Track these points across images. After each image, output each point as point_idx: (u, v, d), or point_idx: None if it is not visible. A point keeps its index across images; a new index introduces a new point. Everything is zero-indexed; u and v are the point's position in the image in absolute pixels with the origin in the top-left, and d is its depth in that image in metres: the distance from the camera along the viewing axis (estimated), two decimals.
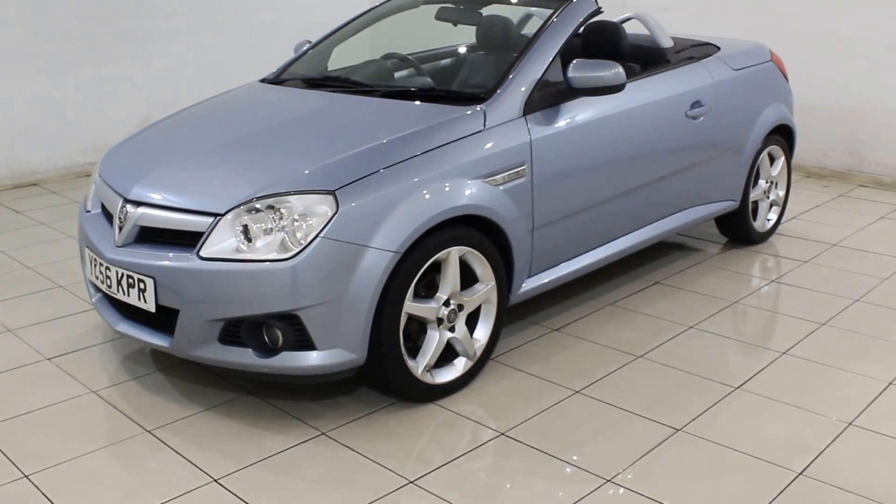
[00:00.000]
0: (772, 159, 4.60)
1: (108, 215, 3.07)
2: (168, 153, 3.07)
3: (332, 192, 2.62)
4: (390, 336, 2.71)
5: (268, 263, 2.55)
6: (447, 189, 2.80)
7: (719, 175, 4.15)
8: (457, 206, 2.80)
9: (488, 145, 2.96)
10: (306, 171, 2.71)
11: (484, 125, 2.99)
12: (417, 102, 3.19)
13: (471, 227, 2.88)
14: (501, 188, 2.97)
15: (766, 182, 4.58)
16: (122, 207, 2.86)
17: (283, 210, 2.61)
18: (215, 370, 2.98)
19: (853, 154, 6.02)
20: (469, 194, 2.85)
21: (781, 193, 4.76)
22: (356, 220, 2.61)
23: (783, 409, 2.90)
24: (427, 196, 2.75)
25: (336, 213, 2.59)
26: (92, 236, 2.99)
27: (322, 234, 2.56)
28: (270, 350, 2.66)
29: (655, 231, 3.83)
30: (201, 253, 2.63)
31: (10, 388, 3.03)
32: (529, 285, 3.23)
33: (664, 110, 3.70)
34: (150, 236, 2.81)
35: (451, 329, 2.91)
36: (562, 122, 3.20)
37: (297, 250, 2.55)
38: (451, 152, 2.87)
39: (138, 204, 2.82)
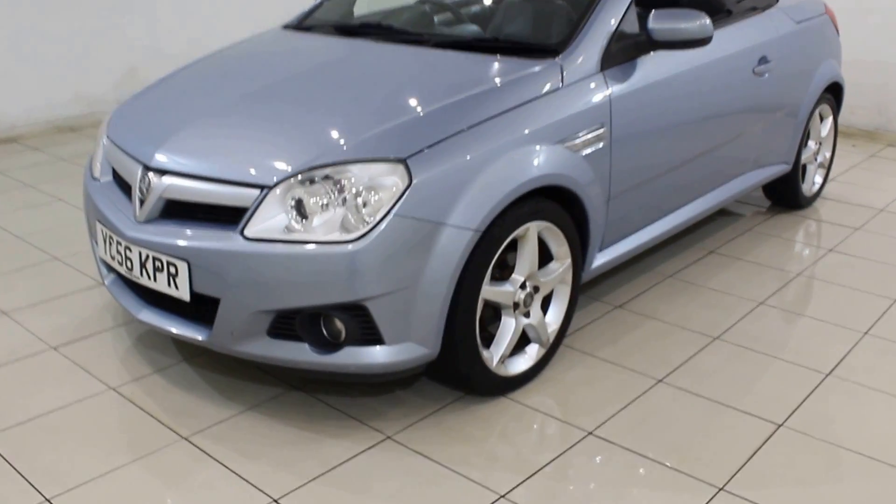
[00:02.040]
0: (820, 119, 4.32)
1: (122, 184, 2.65)
2: (193, 111, 2.63)
3: (403, 161, 2.23)
4: (466, 326, 2.36)
5: (329, 246, 2.16)
6: (529, 156, 2.43)
7: (776, 136, 3.84)
8: (540, 175, 2.44)
9: (567, 105, 2.58)
10: (368, 135, 2.31)
11: (562, 81, 2.62)
12: (480, 55, 2.79)
13: (549, 200, 2.53)
14: (581, 154, 2.61)
15: (816, 143, 4.30)
16: (142, 177, 2.45)
17: (344, 182, 2.23)
18: (255, 363, 2.61)
19: (882, 113, 5.76)
20: (551, 162, 2.48)
21: (828, 155, 4.48)
22: (432, 194, 2.24)
23: (886, 401, 2.65)
24: (508, 165, 2.37)
25: (410, 185, 2.21)
26: (105, 210, 2.56)
27: (394, 211, 2.19)
28: (330, 345, 2.29)
29: (719, 198, 3.52)
30: (246, 232, 2.24)
31: (14, 385, 2.62)
32: (600, 261, 2.89)
33: (733, 66, 3.35)
34: (179, 211, 2.40)
35: (526, 314, 2.58)
36: (639, 79, 2.83)
37: (363, 230, 2.17)
38: (530, 113, 2.49)
39: (163, 173, 2.40)
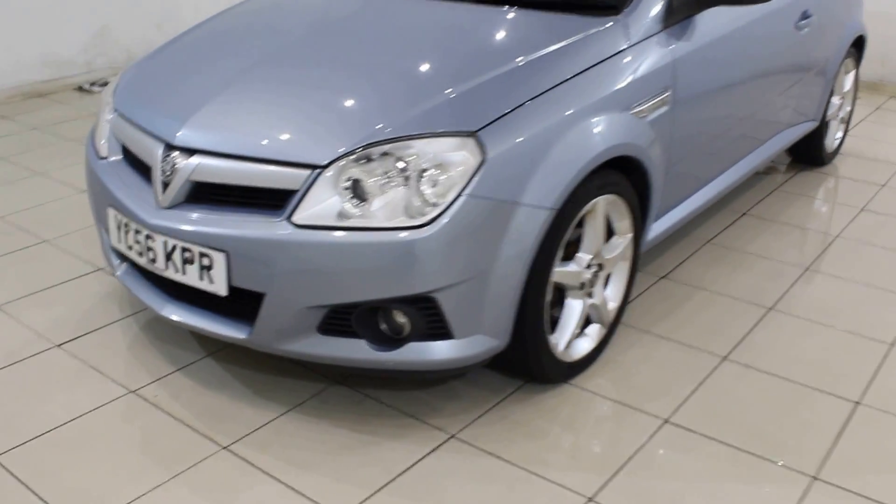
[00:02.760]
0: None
1: (136, 163, 2.35)
2: (218, 78, 2.32)
3: (473, 134, 1.98)
4: (537, 311, 2.15)
5: (392, 233, 1.91)
6: (601, 125, 2.19)
7: (808, 93, 3.66)
8: (613, 146, 2.20)
9: (635, 67, 2.34)
10: (431, 105, 2.04)
11: (628, 41, 2.37)
12: (533, 11, 2.51)
13: (616, 171, 2.30)
14: (647, 120, 2.38)
15: (839, 98, 4.14)
16: (165, 156, 2.15)
17: (407, 159, 1.97)
18: (295, 360, 2.35)
19: (885, 64, 5.64)
20: (622, 131, 2.25)
21: (848, 110, 4.33)
22: (506, 171, 1.99)
23: None
24: (581, 135, 2.13)
25: (483, 161, 1.96)
26: (118, 194, 2.26)
27: (466, 192, 1.94)
28: (392, 341, 2.06)
29: (759, 159, 3.33)
30: (295, 218, 1.97)
31: (20, 393, 2.33)
32: (654, 233, 2.69)
33: (779, 22, 3.14)
34: (207, 194, 2.13)
35: (589, 295, 2.38)
36: (699, 37, 2.59)
37: (432, 214, 1.92)
38: (599, 77, 2.24)
39: (191, 152, 2.11)
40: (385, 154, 1.97)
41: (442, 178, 1.93)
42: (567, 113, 2.12)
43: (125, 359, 2.48)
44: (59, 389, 2.34)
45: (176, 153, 2.13)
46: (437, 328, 2.02)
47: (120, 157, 2.42)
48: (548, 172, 2.05)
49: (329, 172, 1.97)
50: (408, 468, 2.06)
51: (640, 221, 2.46)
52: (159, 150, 2.18)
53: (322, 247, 1.93)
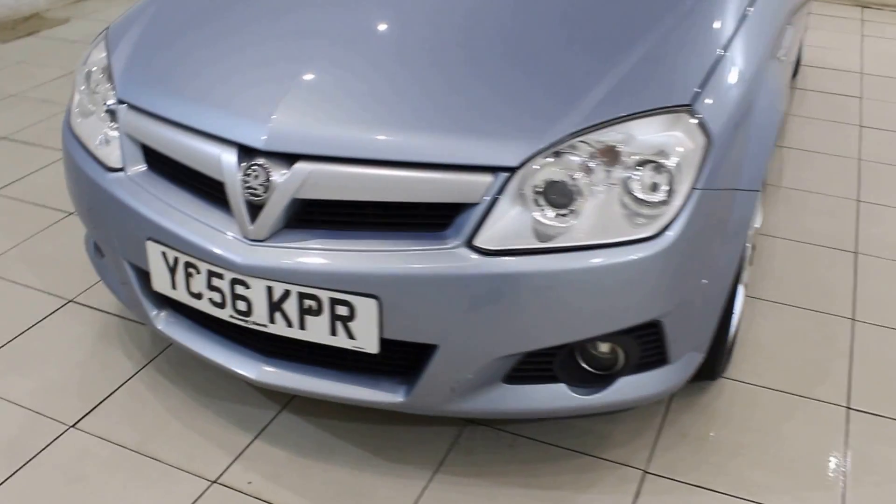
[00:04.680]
0: None
1: (174, 173, 1.70)
2: (286, 51, 1.68)
3: (689, 108, 1.53)
4: (731, 307, 1.80)
5: (616, 250, 1.45)
6: (779, 76, 1.81)
7: None
8: (783, 96, 1.84)
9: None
10: (615, 80, 1.55)
11: None
12: None
13: None
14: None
15: None
16: (248, 166, 1.54)
17: (619, 151, 1.49)
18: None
19: None
20: (784, 80, 1.88)
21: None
22: (726, 149, 1.56)
23: None
24: (771, 93, 1.74)
25: (709, 142, 1.53)
26: (168, 222, 1.61)
27: (698, 185, 1.51)
28: (599, 379, 1.63)
29: None
30: (479, 242, 1.46)
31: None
32: None
33: None
34: (322, 215, 1.55)
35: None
36: None
37: (663, 221, 1.47)
38: (768, 12, 1.85)
39: (293, 158, 1.52)
40: (587, 147, 1.48)
41: (666, 169, 1.49)
42: (755, 66, 1.71)
43: (177, 435, 1.86)
44: (116, 497, 1.72)
45: (262, 160, 1.52)
46: (653, 356, 1.61)
47: (143, 166, 1.74)
48: (754, 144, 1.66)
49: (520, 176, 1.46)
50: None
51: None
52: (232, 158, 1.55)
53: (522, 278, 1.44)
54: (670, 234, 1.47)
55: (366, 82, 1.59)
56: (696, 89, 1.55)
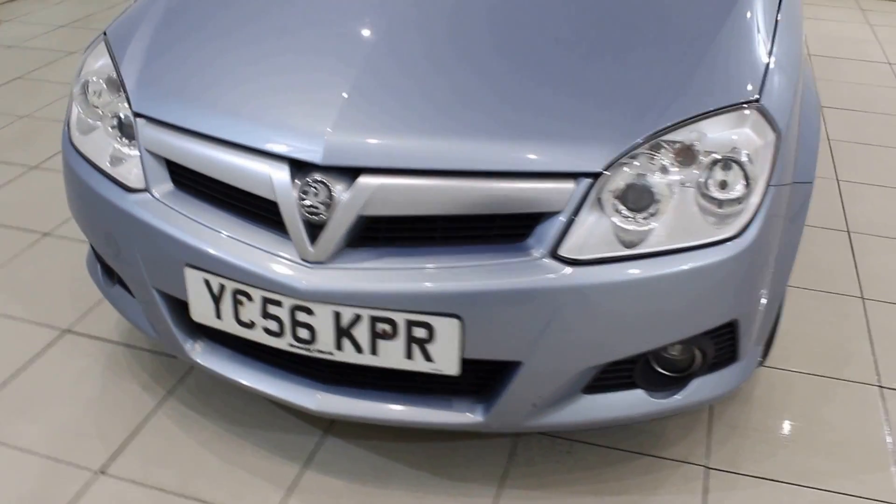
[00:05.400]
0: None
1: (203, 193, 1.57)
2: (326, 55, 1.57)
3: (757, 104, 1.51)
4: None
5: (702, 252, 1.41)
6: (810, 68, 1.81)
7: None
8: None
9: None
10: (682, 77, 1.51)
11: None
12: None
13: None
14: None
15: None
16: (306, 183, 1.43)
17: (696, 150, 1.45)
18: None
19: None
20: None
21: None
22: (790, 144, 1.55)
23: None
24: (809, 80, 1.74)
25: (778, 137, 1.50)
26: (212, 247, 1.48)
27: (773, 181, 1.48)
28: (674, 381, 1.59)
29: None
30: (564, 251, 1.40)
31: None
32: None
33: None
34: (385, 232, 1.45)
35: None
36: None
37: (746, 218, 1.45)
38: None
39: (354, 172, 1.41)
40: (663, 148, 1.44)
41: (740, 167, 1.45)
42: (797, 54, 1.70)
43: (219, 471, 1.73)
44: None
45: (319, 176, 1.42)
46: (725, 354, 1.59)
47: (169, 185, 1.60)
48: (805, 135, 1.65)
49: (604, 181, 1.41)
50: None
51: None
52: (284, 175, 1.44)
53: (614, 287, 1.39)
54: (751, 233, 1.45)
55: (424, 88, 1.50)
56: (759, 84, 1.53)
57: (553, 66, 1.54)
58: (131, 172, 1.63)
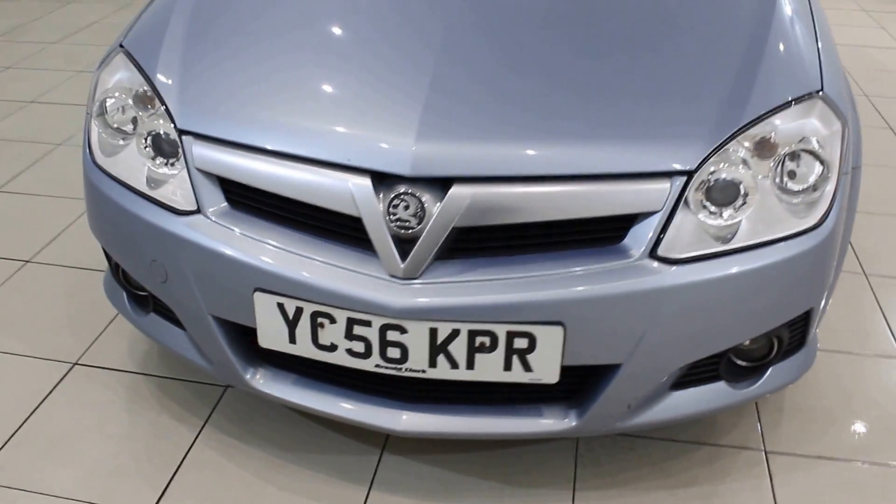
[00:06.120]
0: None
1: (264, 212, 1.47)
2: (405, 58, 1.49)
3: (820, 94, 1.52)
4: None
5: (787, 244, 1.42)
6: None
7: None
8: None
9: None
10: (761, 69, 1.51)
11: None
12: None
13: None
14: None
15: None
16: (393, 195, 1.35)
17: (774, 143, 1.45)
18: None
19: None
20: None
21: None
22: (850, 130, 1.59)
23: None
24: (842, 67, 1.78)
25: (845, 125, 1.52)
26: (283, 268, 1.39)
27: (844, 170, 1.50)
28: (752, 371, 1.60)
29: None
30: (663, 251, 1.38)
31: None
32: None
33: None
34: (476, 242, 1.39)
35: None
36: None
37: (823, 207, 1.46)
38: None
39: (446, 182, 1.35)
40: (745, 143, 1.43)
41: (815, 157, 1.46)
42: (832, 43, 1.73)
43: (280, 502, 1.63)
44: None
45: (406, 188, 1.35)
46: (796, 341, 1.61)
47: (224, 204, 1.48)
48: (852, 120, 1.69)
49: (696, 178, 1.39)
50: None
51: None
52: (367, 189, 1.36)
53: (713, 284, 1.38)
54: (830, 221, 1.47)
55: (502, 92, 1.45)
56: (818, 75, 1.56)
57: (624, 65, 1.51)
58: (176, 193, 1.51)
